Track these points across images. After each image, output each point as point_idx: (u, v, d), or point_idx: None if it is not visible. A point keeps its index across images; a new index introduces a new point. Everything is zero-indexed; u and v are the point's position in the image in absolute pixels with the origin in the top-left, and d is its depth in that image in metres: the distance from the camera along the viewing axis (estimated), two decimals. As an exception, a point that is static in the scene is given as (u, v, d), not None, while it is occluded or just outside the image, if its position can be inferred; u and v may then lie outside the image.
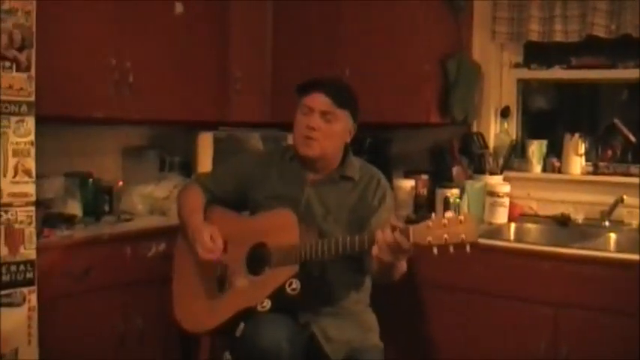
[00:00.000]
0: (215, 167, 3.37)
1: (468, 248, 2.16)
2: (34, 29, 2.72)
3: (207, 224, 2.70)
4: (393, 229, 2.26)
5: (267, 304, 2.50)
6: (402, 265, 2.50)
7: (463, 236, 2.15)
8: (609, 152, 3.76)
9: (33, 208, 2.77)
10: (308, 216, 2.64)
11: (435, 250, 2.18)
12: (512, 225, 3.69)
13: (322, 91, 2.64)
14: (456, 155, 3.90)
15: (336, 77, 2.86)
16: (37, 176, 2.82)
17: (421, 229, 2.21)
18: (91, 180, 3.61)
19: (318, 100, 2.63)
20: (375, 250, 2.30)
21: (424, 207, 3.79)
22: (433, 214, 2.24)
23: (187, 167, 3.98)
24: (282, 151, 2.85)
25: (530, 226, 3.70)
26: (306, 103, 2.66)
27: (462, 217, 2.18)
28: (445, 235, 2.16)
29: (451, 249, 2.16)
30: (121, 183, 3.79)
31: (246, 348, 2.46)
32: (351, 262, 2.60)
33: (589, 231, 3.46)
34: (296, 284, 2.48)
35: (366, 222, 2.64)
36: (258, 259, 2.62)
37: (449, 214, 2.22)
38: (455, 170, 3.84)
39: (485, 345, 3.16)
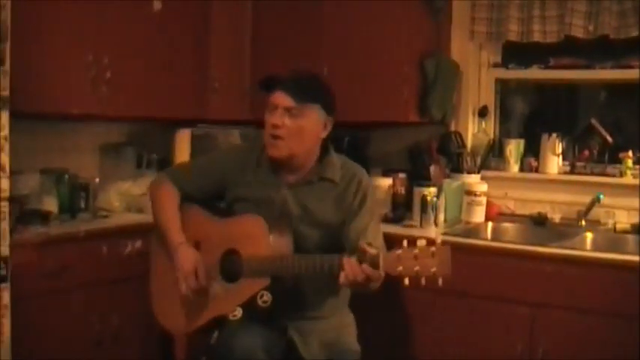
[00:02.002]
0: (189, 163, 3.28)
1: (440, 282, 2.11)
2: (8, 23, 2.69)
3: (190, 250, 2.61)
4: (361, 258, 2.23)
5: (239, 312, 2.47)
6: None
7: (434, 270, 2.11)
8: (586, 152, 3.78)
9: (7, 204, 2.72)
10: (283, 219, 2.58)
11: (407, 282, 2.13)
12: (490, 224, 3.71)
13: (282, 88, 2.55)
14: (434, 154, 3.91)
15: (300, 71, 2.71)
16: (13, 172, 2.79)
17: (391, 258, 2.17)
18: (67, 176, 3.58)
19: (280, 98, 2.54)
20: (341, 278, 2.27)
21: (402, 206, 3.79)
22: (404, 242, 2.17)
23: (165, 164, 3.92)
24: (258, 149, 2.72)
25: (507, 225, 3.71)
26: (270, 101, 2.57)
27: (434, 249, 2.13)
28: (416, 267, 2.12)
29: (423, 281, 2.13)
30: (97, 180, 3.76)
31: (221, 357, 2.44)
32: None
33: (566, 230, 3.48)
34: (267, 297, 2.45)
35: (346, 226, 2.59)
36: (230, 266, 2.57)
37: (421, 242, 2.15)
38: (433, 169, 3.85)
39: (461, 344, 3.17)
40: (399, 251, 2.16)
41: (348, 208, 2.62)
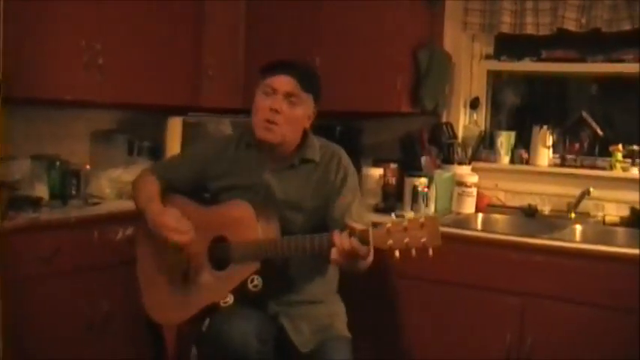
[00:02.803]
0: (171, 157, 3.30)
1: (430, 252, 2.12)
2: (1, 8, 2.68)
3: (168, 208, 2.60)
4: (351, 233, 2.23)
5: (230, 299, 2.47)
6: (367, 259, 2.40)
7: (424, 240, 2.11)
8: (577, 145, 3.80)
9: (-2, 189, 2.73)
10: (268, 205, 2.59)
11: (397, 254, 2.14)
12: (480, 215, 3.73)
13: (289, 72, 2.56)
14: (426, 145, 3.92)
15: (302, 60, 2.75)
16: (4, 158, 2.78)
17: (381, 232, 2.18)
18: (58, 163, 3.56)
19: (284, 81, 2.55)
20: (333, 254, 2.27)
21: (393, 196, 3.80)
22: (392, 215, 2.18)
23: (156, 152, 3.95)
24: (237, 138, 2.74)
25: (497, 216, 3.73)
26: (269, 84, 2.56)
27: (422, 220, 2.13)
28: (406, 239, 2.13)
29: (413, 252, 2.13)
30: (88, 166, 3.75)
31: (213, 344, 2.45)
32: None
33: (555, 222, 3.50)
34: (257, 281, 2.45)
35: (330, 206, 2.60)
36: (219, 254, 2.57)
37: (409, 215, 2.17)
38: (424, 160, 3.85)
39: (451, 334, 3.19)
40: (389, 224, 2.17)
41: (330, 187, 2.63)
